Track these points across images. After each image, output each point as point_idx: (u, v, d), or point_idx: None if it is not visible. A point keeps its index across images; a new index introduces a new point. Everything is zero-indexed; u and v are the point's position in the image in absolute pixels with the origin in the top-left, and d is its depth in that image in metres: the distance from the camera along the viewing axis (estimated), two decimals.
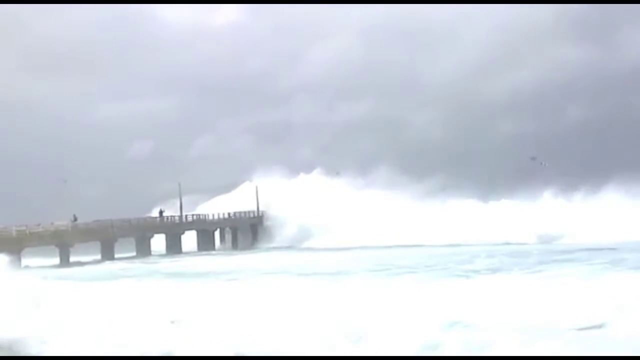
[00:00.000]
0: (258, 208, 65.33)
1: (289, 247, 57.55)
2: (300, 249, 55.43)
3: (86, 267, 47.38)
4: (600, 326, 12.84)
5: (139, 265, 46.71)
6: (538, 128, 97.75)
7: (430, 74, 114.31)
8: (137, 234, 56.21)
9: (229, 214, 63.25)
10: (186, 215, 61.46)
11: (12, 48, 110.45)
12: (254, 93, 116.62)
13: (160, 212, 59.88)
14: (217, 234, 63.14)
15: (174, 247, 57.79)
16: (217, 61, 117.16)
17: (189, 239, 60.22)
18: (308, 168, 75.93)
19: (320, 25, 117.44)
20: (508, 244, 46.79)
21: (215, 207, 64.66)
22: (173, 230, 58.62)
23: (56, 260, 50.20)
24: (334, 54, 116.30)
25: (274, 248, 58.12)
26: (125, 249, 54.74)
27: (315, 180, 68.60)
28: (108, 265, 48.33)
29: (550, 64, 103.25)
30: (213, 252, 58.12)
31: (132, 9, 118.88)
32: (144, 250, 55.21)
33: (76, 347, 15.30)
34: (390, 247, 48.67)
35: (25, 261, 47.92)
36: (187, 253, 57.02)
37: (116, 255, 53.08)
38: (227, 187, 72.31)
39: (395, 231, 53.48)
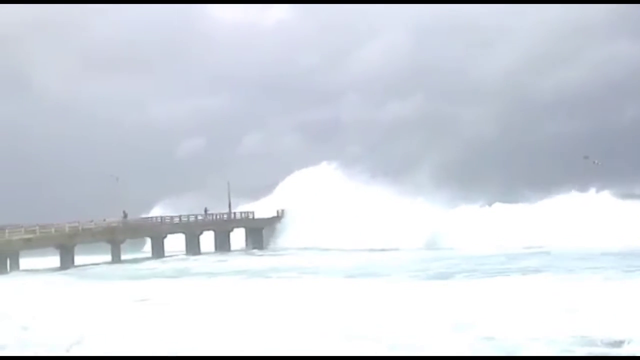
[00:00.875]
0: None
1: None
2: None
3: (144, 264, 47.93)
4: None
5: (207, 262, 47.18)
6: (591, 126, 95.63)
7: (480, 71, 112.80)
8: (187, 231, 56.72)
9: (277, 211, 63.44)
10: (234, 213, 61.88)
11: (67, 49, 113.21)
12: (303, 91, 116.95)
13: (205, 210, 60.21)
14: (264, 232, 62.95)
15: (222, 245, 58.20)
16: (267, 60, 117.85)
17: (237, 236, 60.53)
18: (354, 167, 75.82)
19: (369, 23, 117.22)
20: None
21: (263, 205, 64.78)
22: (222, 228, 59.00)
23: (105, 257, 50.98)
24: (383, 52, 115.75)
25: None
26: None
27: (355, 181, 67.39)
28: (167, 262, 48.72)
29: (604, 60, 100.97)
30: (258, 251, 57.69)
31: (184, 9, 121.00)
32: (193, 247, 55.71)
33: None
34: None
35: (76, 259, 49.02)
36: (235, 251, 57.36)
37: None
38: (274, 186, 72.55)
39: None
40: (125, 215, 54.70)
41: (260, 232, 61.50)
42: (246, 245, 60.38)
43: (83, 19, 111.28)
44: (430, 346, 13.83)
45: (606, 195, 52.58)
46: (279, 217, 62.49)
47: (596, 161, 60.60)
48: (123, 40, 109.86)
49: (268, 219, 62.10)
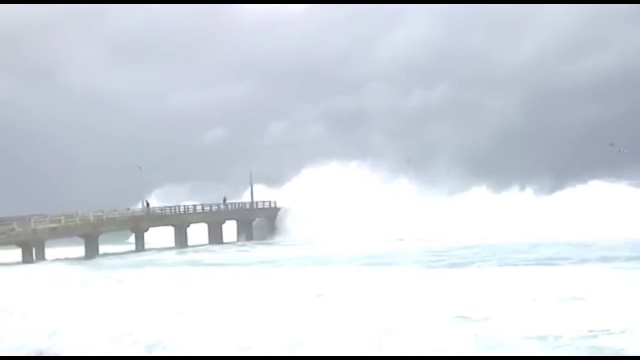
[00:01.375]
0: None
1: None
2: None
3: (168, 254, 47.70)
4: None
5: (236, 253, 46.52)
6: (618, 113, 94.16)
7: (508, 57, 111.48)
8: (210, 221, 57.01)
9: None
10: (257, 203, 62.12)
11: (92, 40, 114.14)
12: (328, 79, 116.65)
13: (224, 200, 60.31)
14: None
15: (244, 233, 58.48)
16: (292, 48, 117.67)
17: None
18: (378, 156, 75.51)
19: (396, 11, 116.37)
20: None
21: (286, 194, 64.85)
22: (244, 217, 59.26)
23: (125, 246, 51.41)
24: (409, 40, 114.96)
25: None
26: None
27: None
28: (195, 252, 48.10)
29: (632, 46, 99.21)
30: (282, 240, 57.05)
31: None
32: (215, 237, 56.02)
33: None
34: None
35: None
36: (254, 241, 56.98)
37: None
38: (295, 175, 72.55)
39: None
40: (147, 205, 55.09)
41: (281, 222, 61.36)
42: (267, 234, 60.00)
43: (107, 10, 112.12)
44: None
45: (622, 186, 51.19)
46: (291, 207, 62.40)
47: (622, 149, 59.71)
48: (148, 31, 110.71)
49: (287, 209, 62.35)
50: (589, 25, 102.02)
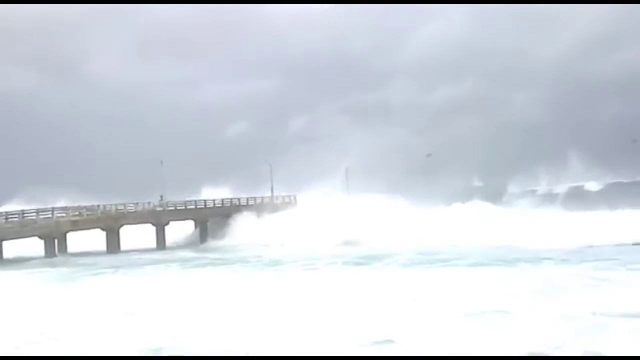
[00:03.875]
0: None
1: None
2: None
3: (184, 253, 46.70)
4: None
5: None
6: None
7: (537, 53, 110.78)
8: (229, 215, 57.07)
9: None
10: (277, 197, 62.25)
11: (120, 34, 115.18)
12: (354, 74, 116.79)
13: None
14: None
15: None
16: (319, 43, 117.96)
17: None
18: (400, 150, 75.27)
19: (424, 7, 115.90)
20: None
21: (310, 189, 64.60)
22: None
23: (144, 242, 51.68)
24: (437, 36, 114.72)
25: None
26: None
27: None
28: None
29: None
30: None
31: None
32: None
33: None
34: None
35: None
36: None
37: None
38: (320, 170, 72.51)
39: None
40: (161, 199, 55.08)
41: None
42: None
43: (137, 5, 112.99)
44: None
45: None
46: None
47: None
48: (176, 26, 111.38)
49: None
50: (615, 22, 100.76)
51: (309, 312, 19.55)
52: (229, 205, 57.90)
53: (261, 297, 23.51)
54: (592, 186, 63.62)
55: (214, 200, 57.58)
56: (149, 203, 54.37)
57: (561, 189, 59.33)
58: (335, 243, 44.87)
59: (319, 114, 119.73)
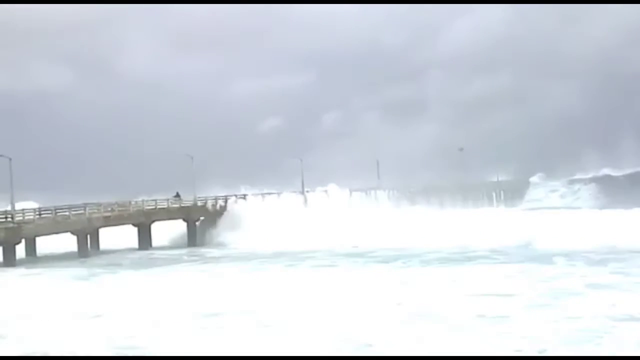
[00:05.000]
0: None
1: None
2: None
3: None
4: None
5: None
6: None
7: (575, 44, 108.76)
8: None
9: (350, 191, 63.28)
10: (307, 191, 62.04)
11: (154, 30, 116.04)
12: (387, 69, 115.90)
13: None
14: None
15: None
16: (352, 38, 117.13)
17: None
18: (433, 144, 74.63)
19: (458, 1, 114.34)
20: None
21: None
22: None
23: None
24: (472, 29, 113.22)
25: None
26: None
27: None
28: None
29: None
30: None
31: None
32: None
33: None
34: None
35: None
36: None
37: None
38: (351, 164, 72.45)
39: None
40: (177, 195, 54.35)
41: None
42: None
43: (170, 5, 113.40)
44: None
45: None
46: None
47: None
48: (209, 21, 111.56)
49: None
50: None
51: None
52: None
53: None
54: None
55: (235, 196, 56.87)
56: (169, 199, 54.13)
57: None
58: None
59: (351, 108, 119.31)
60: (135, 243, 49.67)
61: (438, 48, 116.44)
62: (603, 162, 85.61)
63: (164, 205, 52.67)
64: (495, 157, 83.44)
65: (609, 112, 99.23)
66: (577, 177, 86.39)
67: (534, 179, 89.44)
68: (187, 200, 54.37)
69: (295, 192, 61.24)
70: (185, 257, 42.72)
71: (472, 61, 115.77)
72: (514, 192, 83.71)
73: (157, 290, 27.08)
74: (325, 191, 62.34)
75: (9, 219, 43.35)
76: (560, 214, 50.38)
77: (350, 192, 63.99)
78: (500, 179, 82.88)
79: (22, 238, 43.50)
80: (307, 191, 61.79)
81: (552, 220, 43.87)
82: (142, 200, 52.01)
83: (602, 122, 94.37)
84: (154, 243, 50.37)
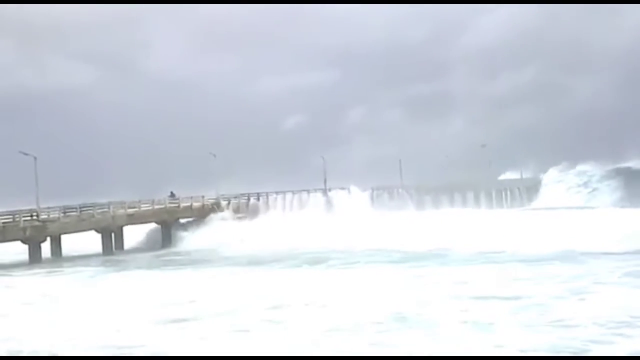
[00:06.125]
0: None
1: None
2: None
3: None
4: None
5: None
6: None
7: (604, 38, 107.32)
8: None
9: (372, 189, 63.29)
10: (330, 189, 62.04)
11: (177, 28, 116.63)
12: (411, 66, 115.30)
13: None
14: None
15: None
16: (376, 34, 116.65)
17: None
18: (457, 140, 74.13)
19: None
20: None
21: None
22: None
23: None
24: (499, 23, 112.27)
25: None
26: None
27: None
28: None
29: None
30: None
31: None
32: None
33: None
34: None
35: None
36: None
37: None
38: (374, 161, 72.40)
39: None
40: (172, 195, 53.56)
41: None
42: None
43: (194, 5, 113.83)
44: None
45: None
46: None
47: None
48: (233, 18, 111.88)
49: None
50: None
51: None
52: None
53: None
54: None
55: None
56: (202, 197, 54.14)
57: None
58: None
59: (375, 105, 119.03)
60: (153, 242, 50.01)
61: (462, 44, 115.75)
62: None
63: (189, 203, 52.95)
64: (519, 153, 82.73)
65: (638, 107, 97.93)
66: (601, 172, 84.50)
67: (553, 175, 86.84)
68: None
69: (317, 190, 61.18)
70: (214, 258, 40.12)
71: (498, 56, 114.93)
72: (532, 191, 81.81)
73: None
74: (347, 190, 62.03)
75: (35, 217, 44.28)
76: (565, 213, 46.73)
77: (373, 190, 63.92)
78: (524, 176, 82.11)
79: (47, 236, 44.26)
80: (329, 189, 61.65)
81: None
82: (168, 199, 52.39)
83: (632, 117, 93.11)
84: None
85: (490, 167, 75.90)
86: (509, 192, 77.15)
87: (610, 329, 14.87)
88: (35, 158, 45.12)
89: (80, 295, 25.48)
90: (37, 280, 32.45)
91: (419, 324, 16.19)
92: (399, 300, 19.81)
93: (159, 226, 51.06)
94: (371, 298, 20.79)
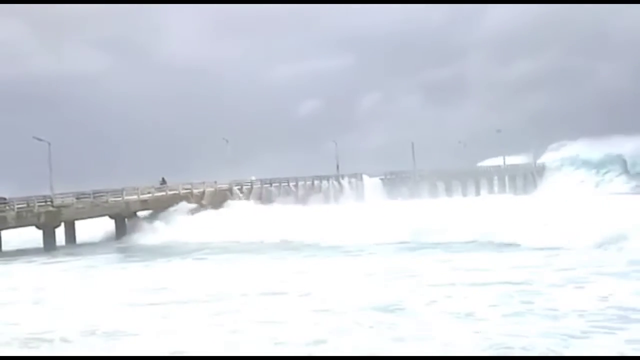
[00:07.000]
0: None
1: None
2: None
3: None
4: None
5: None
6: None
7: (620, 23, 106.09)
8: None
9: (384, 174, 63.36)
10: (342, 176, 62.11)
11: (191, 14, 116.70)
12: (426, 51, 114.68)
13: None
14: None
15: None
16: (391, 20, 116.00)
17: None
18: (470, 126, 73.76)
19: None
20: None
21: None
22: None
23: None
24: (515, 8, 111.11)
25: None
26: None
27: None
28: None
29: None
30: None
31: None
32: None
33: None
34: None
35: None
36: None
37: None
38: (388, 146, 72.30)
39: None
40: (162, 182, 52.97)
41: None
42: None
43: None
44: None
45: None
46: None
47: None
48: (249, 4, 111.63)
49: None
50: None
51: None
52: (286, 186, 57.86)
53: None
54: None
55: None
56: (215, 182, 54.25)
57: None
58: None
59: (390, 91, 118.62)
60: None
61: (479, 29, 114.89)
62: None
63: (201, 189, 53.07)
64: (535, 139, 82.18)
65: None
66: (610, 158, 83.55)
67: (564, 161, 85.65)
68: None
69: (330, 177, 61.18)
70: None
71: (515, 41, 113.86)
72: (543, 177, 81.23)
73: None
74: (359, 176, 62.03)
75: (49, 203, 44.75)
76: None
77: (385, 175, 63.92)
78: (538, 162, 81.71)
79: (61, 221, 44.71)
80: (342, 177, 61.65)
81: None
82: (181, 185, 52.37)
83: None
84: None
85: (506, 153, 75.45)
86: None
87: None
88: (49, 144, 45.55)
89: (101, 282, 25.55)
90: (54, 268, 32.72)
91: None
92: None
93: None
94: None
